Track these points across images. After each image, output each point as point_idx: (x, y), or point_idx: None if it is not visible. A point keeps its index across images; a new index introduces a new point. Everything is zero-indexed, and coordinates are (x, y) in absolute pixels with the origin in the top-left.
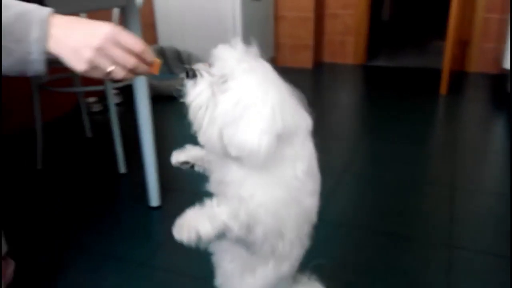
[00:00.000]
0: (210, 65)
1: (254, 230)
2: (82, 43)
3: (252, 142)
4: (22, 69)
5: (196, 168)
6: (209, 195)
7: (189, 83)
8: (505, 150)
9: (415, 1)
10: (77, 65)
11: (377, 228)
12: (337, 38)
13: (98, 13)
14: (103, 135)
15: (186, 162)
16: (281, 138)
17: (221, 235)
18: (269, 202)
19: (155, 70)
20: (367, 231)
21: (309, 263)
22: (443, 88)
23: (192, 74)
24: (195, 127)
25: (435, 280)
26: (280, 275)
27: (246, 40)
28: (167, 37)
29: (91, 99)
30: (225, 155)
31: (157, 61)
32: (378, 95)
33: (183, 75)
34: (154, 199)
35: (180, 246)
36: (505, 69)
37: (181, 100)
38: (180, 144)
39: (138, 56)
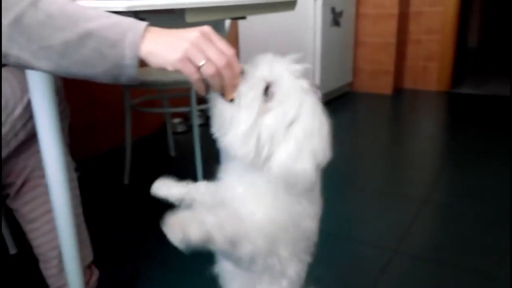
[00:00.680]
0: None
1: (239, 247)
2: (179, 37)
3: (305, 170)
4: (116, 74)
5: (178, 206)
6: None
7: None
8: None
9: (505, 27)
10: (171, 55)
11: (461, 265)
12: (420, 64)
13: None
14: (185, 154)
15: (169, 198)
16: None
17: (207, 243)
18: (266, 224)
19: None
20: (451, 268)
21: None
22: None
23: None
24: (226, 131)
25: None
26: None
27: (325, 64)
28: (250, 61)
29: (176, 120)
30: (253, 166)
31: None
32: (463, 124)
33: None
34: None
35: None
36: None
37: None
38: None
39: (228, 61)
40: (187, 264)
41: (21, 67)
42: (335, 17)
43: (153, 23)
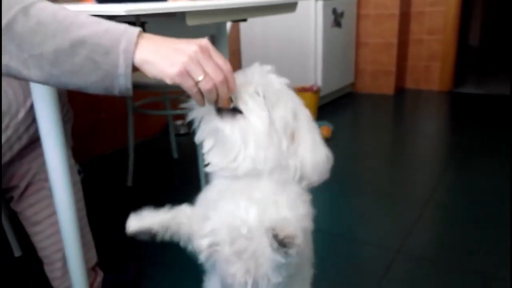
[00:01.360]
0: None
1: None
2: (177, 49)
3: (324, 160)
4: (109, 85)
5: (159, 237)
6: None
7: (250, 107)
8: None
9: (506, 26)
10: (169, 69)
11: (465, 266)
12: (422, 64)
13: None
14: (188, 156)
15: (148, 230)
16: None
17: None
18: (296, 220)
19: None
20: (452, 268)
21: None
22: None
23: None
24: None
25: None
26: None
27: (327, 65)
28: (251, 63)
29: (179, 122)
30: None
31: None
32: (465, 124)
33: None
34: None
35: None
36: None
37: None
38: None
39: (224, 76)
40: (190, 266)
41: (11, 77)
42: (336, 18)
43: (154, 27)
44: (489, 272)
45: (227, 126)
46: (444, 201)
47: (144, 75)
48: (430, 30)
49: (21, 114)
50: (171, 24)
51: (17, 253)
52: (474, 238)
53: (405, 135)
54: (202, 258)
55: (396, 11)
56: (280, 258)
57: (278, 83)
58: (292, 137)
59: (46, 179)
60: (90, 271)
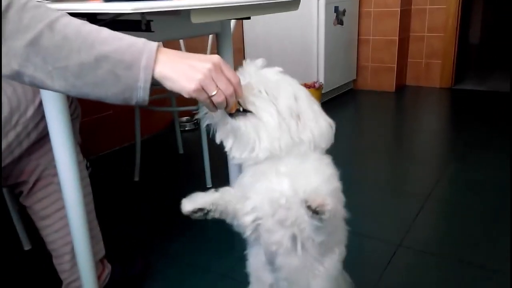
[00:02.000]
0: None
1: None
2: (194, 66)
3: (327, 127)
4: (128, 96)
5: (210, 215)
6: None
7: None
8: None
9: (506, 24)
10: (187, 85)
11: (466, 259)
12: (422, 61)
13: (194, 39)
14: (193, 151)
15: (201, 209)
16: None
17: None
18: (324, 184)
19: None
20: (454, 261)
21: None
22: None
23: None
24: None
25: None
26: (341, 259)
27: (329, 63)
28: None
29: (184, 118)
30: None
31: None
32: (465, 120)
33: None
34: None
35: None
36: None
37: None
38: None
39: (234, 89)
40: (197, 259)
41: (35, 86)
42: (338, 16)
43: (160, 25)
44: (490, 265)
45: (241, 124)
46: (445, 195)
47: None
48: (431, 28)
49: (30, 111)
50: (176, 22)
51: (26, 246)
52: (474, 232)
53: (406, 131)
54: (247, 233)
55: (397, 8)
56: (317, 223)
57: (273, 74)
58: (298, 117)
59: (54, 175)
60: (98, 263)
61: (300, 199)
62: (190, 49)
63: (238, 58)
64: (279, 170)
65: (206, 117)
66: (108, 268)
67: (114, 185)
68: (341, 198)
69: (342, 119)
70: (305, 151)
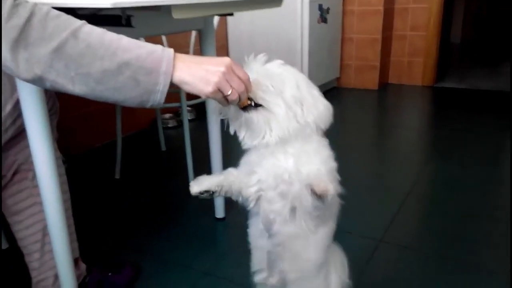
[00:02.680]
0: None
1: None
2: (210, 70)
3: (326, 106)
4: (145, 99)
5: (215, 195)
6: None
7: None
8: None
9: (488, 24)
10: (205, 88)
11: (445, 254)
12: (405, 59)
13: (177, 35)
14: (176, 149)
15: (206, 191)
16: None
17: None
18: (324, 164)
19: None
20: (433, 256)
21: (372, 284)
22: None
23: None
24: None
25: None
26: (333, 229)
27: (312, 60)
28: (238, 58)
29: (167, 115)
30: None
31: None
32: (446, 117)
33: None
34: (220, 210)
35: (241, 257)
36: None
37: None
38: None
39: (245, 86)
40: (178, 256)
41: (55, 90)
42: (322, 14)
43: (140, 20)
44: (468, 260)
45: (254, 117)
46: (425, 192)
47: None
48: (413, 27)
49: (8, 107)
50: (157, 18)
51: (4, 245)
52: (453, 227)
53: (388, 128)
54: (249, 202)
55: (380, 7)
56: (319, 203)
57: (276, 68)
58: (301, 103)
59: (29, 170)
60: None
61: (305, 183)
62: (173, 45)
63: (221, 55)
64: (287, 151)
65: (221, 112)
66: (83, 268)
67: (94, 182)
68: (337, 176)
69: None
70: (309, 133)
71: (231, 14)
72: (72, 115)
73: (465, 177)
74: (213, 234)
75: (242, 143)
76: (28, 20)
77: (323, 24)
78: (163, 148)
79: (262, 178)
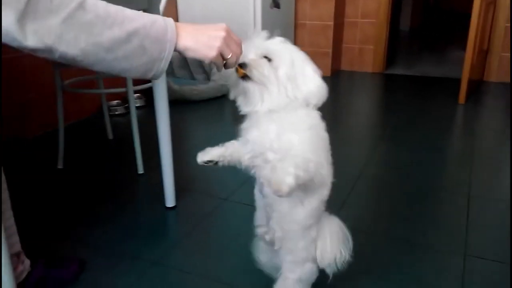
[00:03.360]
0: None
1: (309, 169)
2: (211, 36)
3: (316, 88)
4: (149, 68)
5: (220, 164)
6: (221, 197)
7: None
8: None
9: (435, 12)
10: (208, 53)
11: (393, 235)
12: (356, 46)
13: None
14: (124, 137)
15: (210, 161)
16: None
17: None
18: (306, 144)
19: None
20: (382, 237)
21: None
22: (462, 97)
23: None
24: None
25: None
26: (322, 199)
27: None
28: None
29: (114, 102)
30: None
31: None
32: (396, 103)
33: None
34: (170, 199)
35: (193, 247)
36: None
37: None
38: (197, 146)
39: (241, 49)
40: (126, 247)
41: (64, 61)
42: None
43: None
44: (414, 239)
45: (250, 87)
46: (374, 174)
47: None
48: (364, 14)
49: None
50: None
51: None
52: (401, 208)
53: (340, 114)
54: (247, 168)
55: None
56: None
57: (276, 44)
58: (294, 80)
59: None
60: (14, 257)
61: (266, 180)
62: None
63: None
64: (272, 119)
65: (223, 79)
66: (27, 263)
67: (35, 172)
68: (327, 149)
69: None
70: (296, 106)
71: None
72: (12, 103)
73: (412, 160)
74: (163, 223)
75: (239, 109)
76: None
77: (276, 9)
78: (110, 136)
79: (252, 147)
